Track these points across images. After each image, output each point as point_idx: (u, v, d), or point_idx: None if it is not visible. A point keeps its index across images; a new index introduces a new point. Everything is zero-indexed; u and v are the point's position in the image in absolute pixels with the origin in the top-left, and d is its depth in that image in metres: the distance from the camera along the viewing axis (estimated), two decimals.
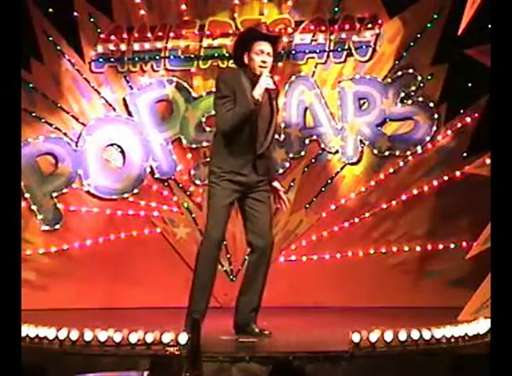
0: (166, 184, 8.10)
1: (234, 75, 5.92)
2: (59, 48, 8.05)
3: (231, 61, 8.03)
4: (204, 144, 7.97)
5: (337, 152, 8.03)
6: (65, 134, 8.06)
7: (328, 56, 8.04)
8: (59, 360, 5.26)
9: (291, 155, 8.05)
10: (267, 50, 5.81)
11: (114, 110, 8.13)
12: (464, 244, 7.63)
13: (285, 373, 4.08)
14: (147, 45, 8.12)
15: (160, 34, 8.10)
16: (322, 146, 8.03)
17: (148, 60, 8.12)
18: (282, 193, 6.09)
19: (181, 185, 8.08)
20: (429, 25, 7.86)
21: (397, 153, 7.97)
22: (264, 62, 5.79)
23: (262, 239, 5.89)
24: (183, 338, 5.20)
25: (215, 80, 6.08)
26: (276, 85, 6.00)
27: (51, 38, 8.03)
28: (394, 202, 7.92)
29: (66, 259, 7.97)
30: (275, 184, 6.06)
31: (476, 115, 7.76)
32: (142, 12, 8.10)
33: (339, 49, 8.02)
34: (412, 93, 7.92)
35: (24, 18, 7.24)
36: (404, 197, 7.91)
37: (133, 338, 5.33)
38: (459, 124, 7.84)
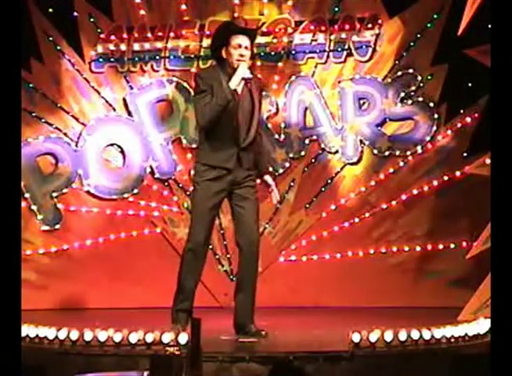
0: (166, 184, 8.10)
1: (211, 71, 5.97)
2: (59, 48, 8.04)
3: None
4: None
5: (337, 152, 8.03)
6: (65, 134, 8.05)
7: (328, 56, 8.04)
8: (59, 360, 5.26)
9: (291, 155, 8.05)
10: (245, 44, 5.80)
11: (114, 110, 8.12)
12: (464, 244, 7.63)
13: (285, 373, 4.08)
14: (147, 45, 8.11)
15: (160, 34, 8.10)
16: (322, 146, 8.03)
17: (148, 60, 8.11)
18: (274, 187, 6.05)
19: (181, 185, 8.07)
20: (429, 25, 7.86)
21: (397, 153, 7.97)
22: (241, 55, 5.79)
23: (247, 238, 5.86)
24: (183, 338, 5.20)
25: (193, 78, 6.08)
26: (259, 79, 5.99)
27: (51, 38, 8.02)
28: (394, 202, 7.92)
29: (66, 259, 7.96)
30: (266, 178, 6.03)
31: (476, 115, 7.76)
32: (142, 12, 8.10)
33: (339, 49, 8.02)
34: (412, 93, 7.92)
35: (24, 18, 7.23)
36: (404, 197, 7.91)
37: (133, 338, 5.33)
38: (459, 124, 7.84)
